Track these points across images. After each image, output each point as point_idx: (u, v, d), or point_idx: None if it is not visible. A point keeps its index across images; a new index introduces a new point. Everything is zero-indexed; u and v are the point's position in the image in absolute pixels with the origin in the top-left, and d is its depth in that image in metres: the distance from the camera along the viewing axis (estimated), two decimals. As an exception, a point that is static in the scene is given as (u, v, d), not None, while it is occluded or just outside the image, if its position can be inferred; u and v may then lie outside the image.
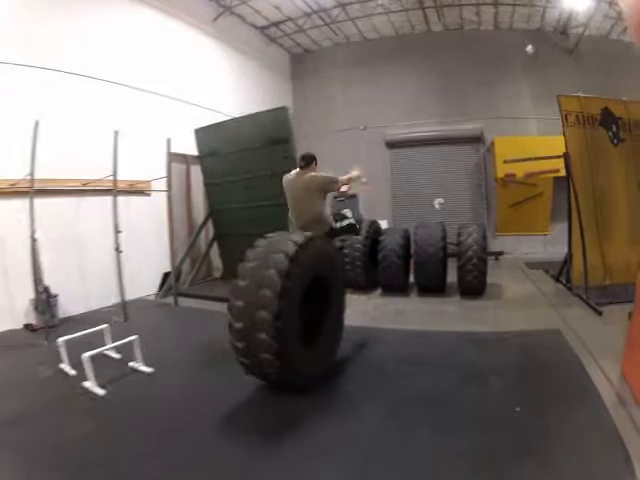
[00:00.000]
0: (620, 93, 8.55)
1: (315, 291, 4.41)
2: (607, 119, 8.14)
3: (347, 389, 4.37)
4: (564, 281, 8.29)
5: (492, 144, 12.30)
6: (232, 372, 4.25)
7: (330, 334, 4.72)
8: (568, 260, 8.11)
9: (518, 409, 3.69)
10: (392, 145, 13.75)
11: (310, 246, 4.09)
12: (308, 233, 4.33)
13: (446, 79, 13.43)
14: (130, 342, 4.78)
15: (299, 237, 4.08)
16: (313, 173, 5.15)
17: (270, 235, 4.32)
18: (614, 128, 8.15)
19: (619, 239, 8.05)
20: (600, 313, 6.41)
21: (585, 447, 3.08)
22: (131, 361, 4.89)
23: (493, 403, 3.91)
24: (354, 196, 13.80)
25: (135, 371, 4.80)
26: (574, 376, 4.41)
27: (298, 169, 5.25)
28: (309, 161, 5.19)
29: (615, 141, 8.14)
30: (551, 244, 11.44)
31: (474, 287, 7.49)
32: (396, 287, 8.11)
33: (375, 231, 8.78)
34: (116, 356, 5.12)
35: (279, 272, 3.71)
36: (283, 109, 8.29)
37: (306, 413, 3.75)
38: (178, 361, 5.30)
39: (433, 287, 7.91)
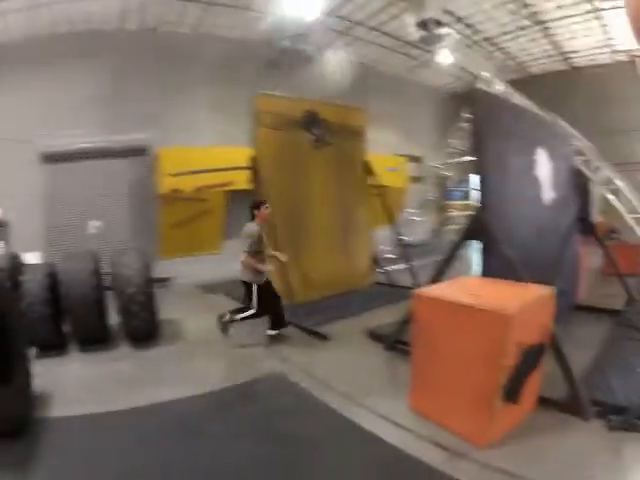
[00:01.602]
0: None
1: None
2: (310, 122, 7.61)
3: None
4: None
5: (158, 157, 10.48)
6: None
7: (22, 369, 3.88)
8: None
9: None
10: (48, 160, 10.33)
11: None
12: None
13: (118, 83, 11.07)
14: None
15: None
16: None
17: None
18: (317, 131, 7.67)
19: (320, 252, 7.47)
20: (325, 337, 5.51)
21: None
22: None
23: None
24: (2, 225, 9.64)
25: None
26: (350, 441, 3.19)
27: None
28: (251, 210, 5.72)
29: (318, 145, 7.67)
30: (224, 263, 10.40)
31: (144, 331, 5.78)
32: (49, 345, 5.60)
33: (14, 269, 6.29)
34: None
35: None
36: None
37: None
38: None
39: (92, 338, 5.73)
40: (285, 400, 3.88)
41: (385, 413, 3.42)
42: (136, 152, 10.79)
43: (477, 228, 4.02)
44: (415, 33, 10.28)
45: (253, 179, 6.90)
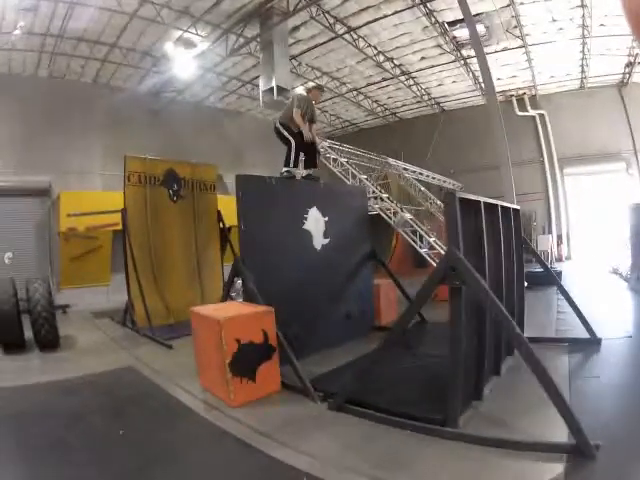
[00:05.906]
0: (192, 152, 11.00)
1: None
2: (169, 179, 10.05)
3: None
4: (130, 325, 9.48)
5: (58, 198, 12.87)
6: None
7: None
8: (129, 306, 9.39)
9: (122, 432, 4.40)
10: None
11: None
12: None
13: (23, 127, 13.48)
14: None
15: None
16: None
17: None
18: (175, 187, 10.13)
19: (176, 285, 10.00)
20: (170, 347, 7.85)
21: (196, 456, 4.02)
22: None
23: (99, 435, 4.47)
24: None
25: None
26: (163, 399, 5.45)
27: None
28: None
29: (175, 198, 10.13)
30: (112, 293, 12.62)
31: (50, 340, 7.97)
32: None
33: None
34: None
35: None
36: None
37: None
38: None
39: (14, 344, 8.04)
40: (130, 379, 6.30)
41: (187, 387, 5.67)
42: (41, 193, 12.80)
43: (236, 270, 6.15)
44: (264, 98, 12.59)
45: (123, 227, 9.18)
